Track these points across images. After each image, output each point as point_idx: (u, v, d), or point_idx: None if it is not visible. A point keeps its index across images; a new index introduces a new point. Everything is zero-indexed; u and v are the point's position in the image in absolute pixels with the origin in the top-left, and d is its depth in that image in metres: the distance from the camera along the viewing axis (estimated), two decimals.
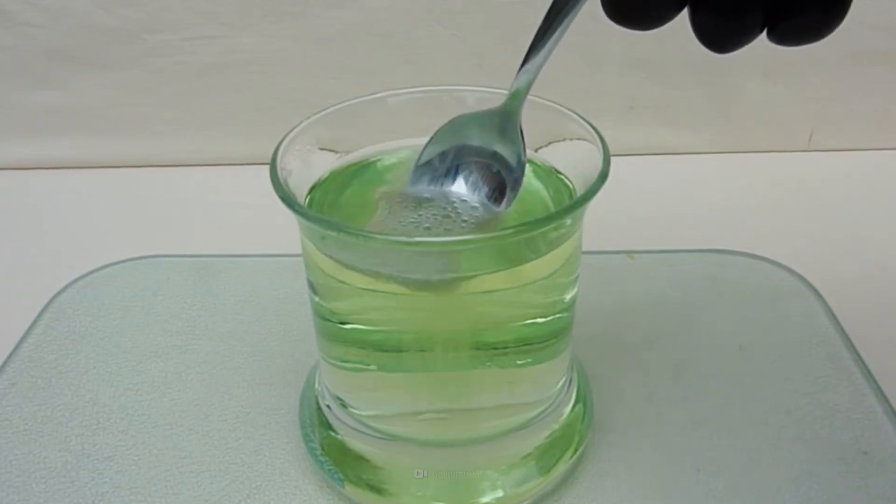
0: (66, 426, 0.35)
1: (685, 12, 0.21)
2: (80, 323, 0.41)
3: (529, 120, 0.27)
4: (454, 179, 0.27)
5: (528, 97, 0.29)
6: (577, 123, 0.29)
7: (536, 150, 0.31)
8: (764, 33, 0.21)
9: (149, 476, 0.32)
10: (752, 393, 0.36)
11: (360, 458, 0.31)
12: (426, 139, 0.29)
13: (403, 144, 0.31)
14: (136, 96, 0.56)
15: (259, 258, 0.45)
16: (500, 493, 0.30)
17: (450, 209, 0.27)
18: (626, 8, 0.21)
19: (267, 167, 0.27)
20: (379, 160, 0.31)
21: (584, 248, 0.30)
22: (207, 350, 0.39)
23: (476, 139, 0.28)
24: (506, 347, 0.28)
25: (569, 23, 0.24)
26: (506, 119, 0.27)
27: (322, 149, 0.30)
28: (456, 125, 0.28)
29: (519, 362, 0.29)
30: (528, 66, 0.25)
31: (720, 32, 0.21)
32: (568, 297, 0.30)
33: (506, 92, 0.30)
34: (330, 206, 0.29)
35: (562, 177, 0.29)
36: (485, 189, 0.27)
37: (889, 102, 0.56)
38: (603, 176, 0.26)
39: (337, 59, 0.54)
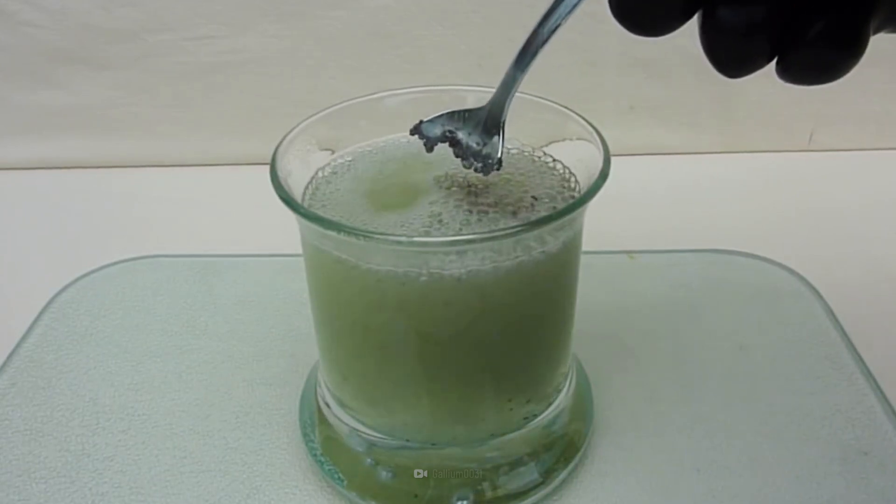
0: (66, 426, 0.35)
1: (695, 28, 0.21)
2: (80, 323, 0.41)
3: (530, 120, 0.28)
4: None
5: (529, 97, 0.29)
6: (577, 123, 0.29)
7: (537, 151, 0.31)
8: (776, 73, 0.21)
9: (149, 476, 0.32)
10: (752, 393, 0.36)
11: (359, 458, 0.31)
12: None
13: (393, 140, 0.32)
14: (136, 96, 0.56)
15: (259, 258, 0.45)
16: (500, 493, 0.30)
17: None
18: (633, 11, 0.21)
19: (267, 167, 0.27)
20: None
21: (584, 248, 0.30)
22: (207, 350, 0.39)
23: (460, 132, 0.28)
24: (506, 347, 0.28)
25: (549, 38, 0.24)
26: (490, 115, 0.27)
27: (322, 149, 0.30)
28: (445, 117, 0.28)
29: (519, 362, 0.29)
30: (510, 78, 0.26)
31: (727, 52, 0.21)
32: (568, 296, 0.30)
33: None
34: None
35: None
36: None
37: (889, 102, 0.56)
38: (603, 176, 0.26)
39: (337, 59, 0.54)
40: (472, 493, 0.29)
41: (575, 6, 0.23)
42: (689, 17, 0.21)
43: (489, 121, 0.27)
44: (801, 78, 0.21)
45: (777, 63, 0.21)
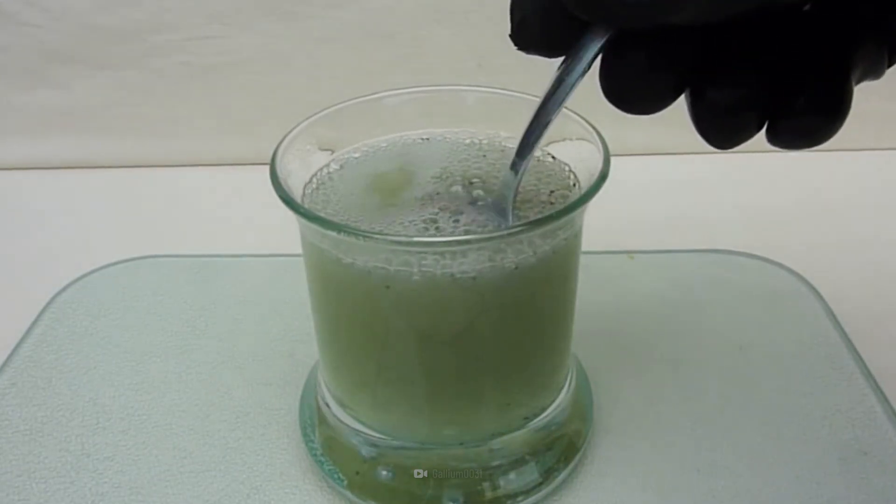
0: (66, 426, 0.35)
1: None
2: (80, 323, 0.41)
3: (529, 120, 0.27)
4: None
5: (529, 98, 0.29)
6: (577, 123, 0.29)
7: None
8: (765, 135, 0.21)
9: (149, 476, 0.32)
10: (752, 393, 0.36)
11: (359, 458, 0.31)
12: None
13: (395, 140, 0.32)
14: (136, 96, 0.56)
15: (259, 258, 0.45)
16: (499, 493, 0.30)
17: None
18: (625, 93, 0.21)
19: (267, 167, 0.27)
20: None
21: (584, 248, 0.30)
22: (207, 350, 0.39)
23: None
24: (506, 347, 0.28)
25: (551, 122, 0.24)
26: (499, 205, 0.27)
27: (322, 149, 0.30)
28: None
29: (519, 362, 0.29)
30: (519, 165, 0.26)
31: (717, 129, 0.21)
32: (568, 296, 0.30)
33: (506, 92, 0.30)
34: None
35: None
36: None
37: (889, 102, 0.56)
38: (603, 176, 0.26)
39: (337, 59, 0.54)
40: (471, 493, 0.29)
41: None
42: (678, 96, 0.21)
43: (498, 211, 0.27)
44: (792, 144, 0.21)
45: (767, 131, 0.21)
